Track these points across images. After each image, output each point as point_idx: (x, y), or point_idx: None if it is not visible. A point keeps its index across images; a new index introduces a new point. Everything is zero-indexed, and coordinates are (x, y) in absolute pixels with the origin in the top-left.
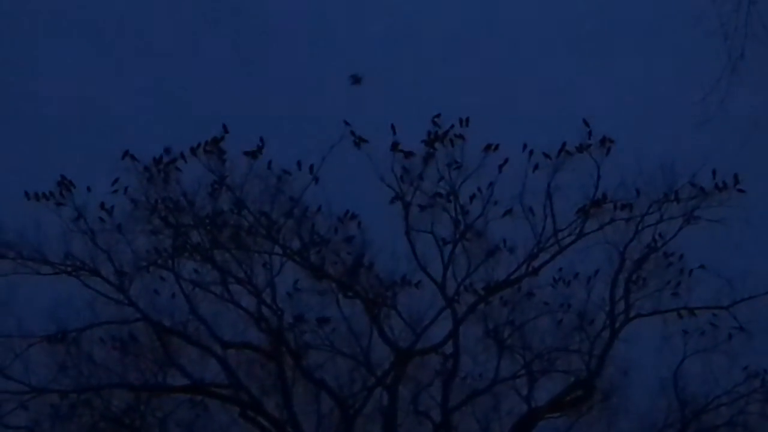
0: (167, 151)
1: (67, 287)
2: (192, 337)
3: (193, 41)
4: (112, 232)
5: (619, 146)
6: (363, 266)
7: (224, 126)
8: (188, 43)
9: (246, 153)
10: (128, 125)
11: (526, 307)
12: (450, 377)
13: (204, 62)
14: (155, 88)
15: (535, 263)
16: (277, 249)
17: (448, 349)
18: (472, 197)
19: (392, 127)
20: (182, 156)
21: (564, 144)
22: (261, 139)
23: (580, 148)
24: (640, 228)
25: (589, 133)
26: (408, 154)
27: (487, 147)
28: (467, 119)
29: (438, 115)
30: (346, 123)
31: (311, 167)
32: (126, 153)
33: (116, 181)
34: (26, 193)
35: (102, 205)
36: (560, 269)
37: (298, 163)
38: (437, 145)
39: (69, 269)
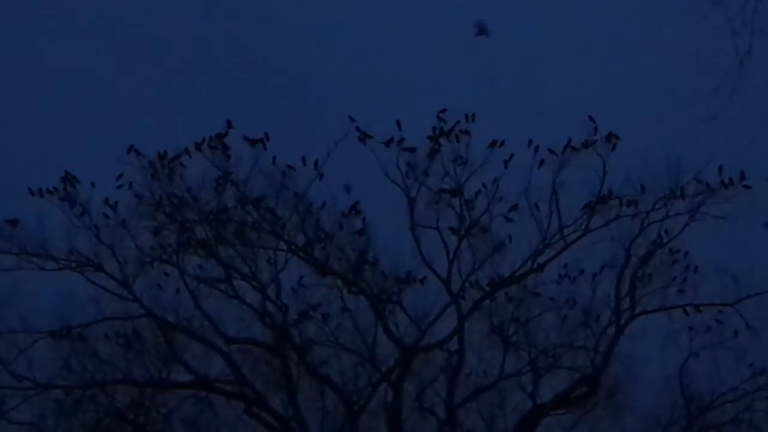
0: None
1: (71, 283)
2: (196, 333)
3: (196, 37)
4: (117, 227)
5: (624, 142)
6: (368, 262)
7: (228, 121)
8: (192, 38)
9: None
10: (133, 121)
11: (531, 303)
12: (455, 373)
13: (208, 58)
14: (159, 83)
15: (541, 259)
16: (282, 245)
17: (453, 345)
18: (478, 193)
19: (398, 122)
20: (187, 151)
21: (570, 140)
22: (266, 135)
23: (586, 144)
24: (645, 224)
25: (595, 129)
26: (410, 149)
27: (493, 143)
28: (473, 115)
29: (444, 111)
30: (351, 119)
31: (316, 162)
32: (131, 148)
33: (121, 176)
34: (30, 189)
35: (106, 201)
36: (565, 265)
37: (303, 159)
38: (442, 140)
39: (73, 265)
